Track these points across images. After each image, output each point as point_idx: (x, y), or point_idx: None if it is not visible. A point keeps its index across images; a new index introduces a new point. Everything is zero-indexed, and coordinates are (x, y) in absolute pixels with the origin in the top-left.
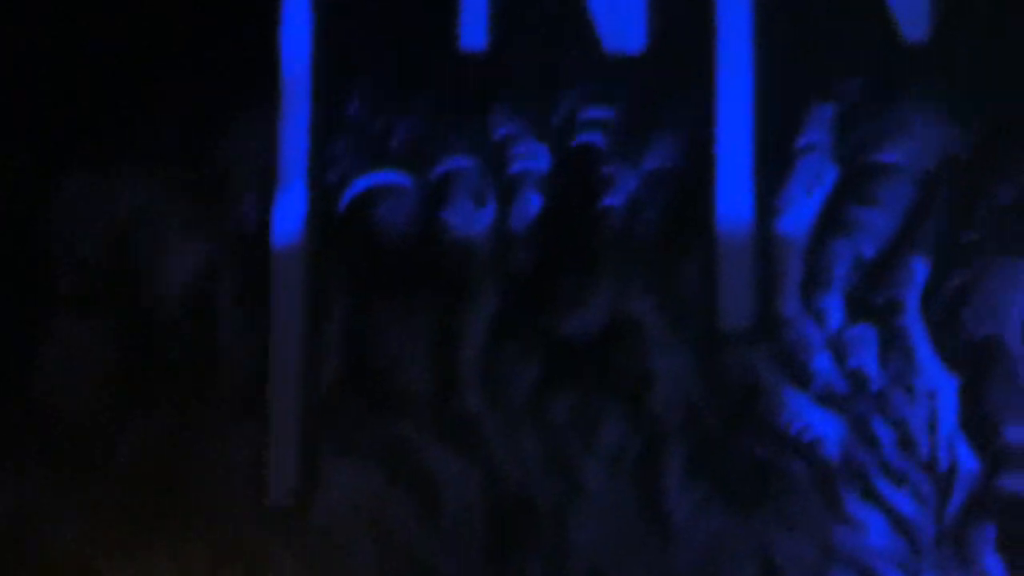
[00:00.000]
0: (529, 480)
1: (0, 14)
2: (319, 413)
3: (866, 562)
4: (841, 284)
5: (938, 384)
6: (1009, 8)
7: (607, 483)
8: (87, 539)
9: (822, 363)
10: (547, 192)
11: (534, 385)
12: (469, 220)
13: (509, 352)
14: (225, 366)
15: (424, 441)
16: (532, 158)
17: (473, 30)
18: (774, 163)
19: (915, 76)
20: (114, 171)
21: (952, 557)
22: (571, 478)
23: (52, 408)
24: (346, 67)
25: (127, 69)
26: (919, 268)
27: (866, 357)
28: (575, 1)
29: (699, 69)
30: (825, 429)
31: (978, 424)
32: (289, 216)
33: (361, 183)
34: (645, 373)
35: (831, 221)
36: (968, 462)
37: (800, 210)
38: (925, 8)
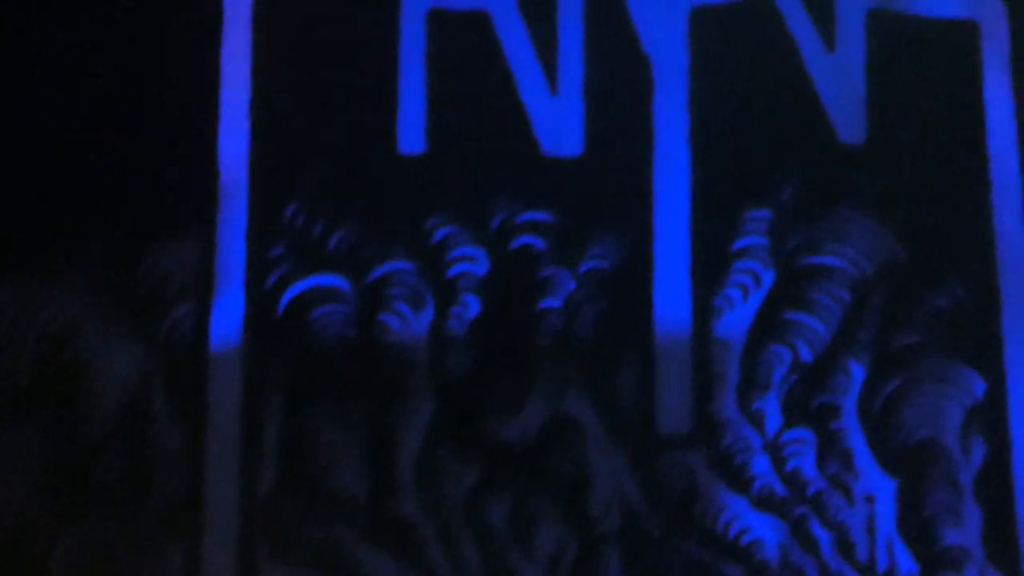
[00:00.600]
0: None
1: None
2: (256, 517)
3: None
4: (778, 388)
5: (876, 487)
6: (946, 110)
7: None
8: None
9: (760, 466)
10: (485, 295)
11: (471, 489)
12: (407, 323)
13: (446, 456)
14: (161, 472)
15: (361, 545)
16: (470, 261)
17: (411, 133)
18: (711, 266)
19: (852, 179)
20: (47, 278)
21: None
22: None
23: None
24: (284, 170)
25: (61, 173)
26: (856, 371)
27: (804, 460)
28: (513, 105)
29: (637, 172)
30: (763, 532)
31: (916, 527)
32: (226, 321)
33: (299, 286)
34: (583, 476)
35: (768, 325)
36: (906, 565)
37: (737, 313)
38: (862, 110)
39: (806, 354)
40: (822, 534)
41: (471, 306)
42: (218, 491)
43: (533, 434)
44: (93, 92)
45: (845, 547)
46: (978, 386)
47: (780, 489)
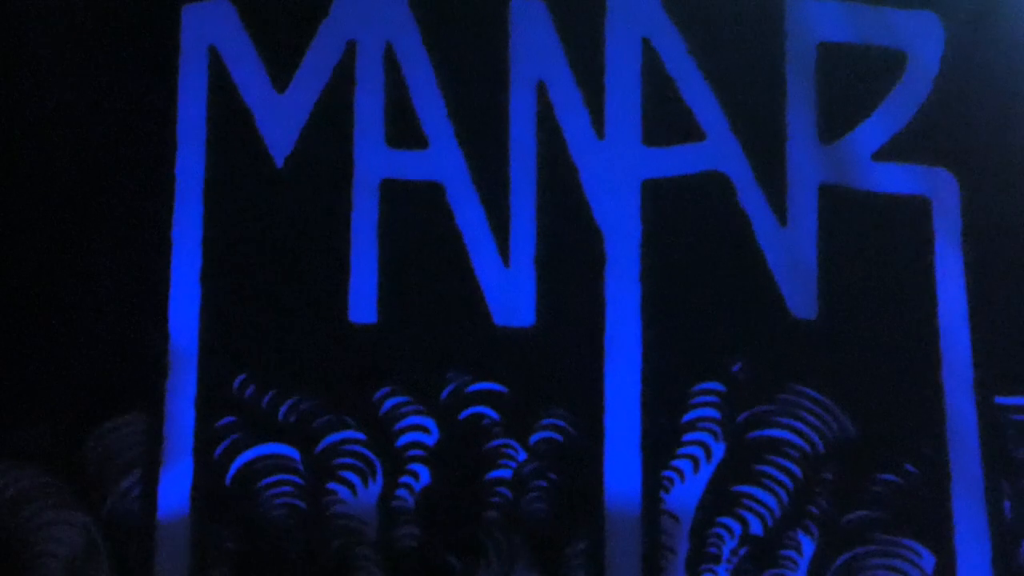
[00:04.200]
0: None
1: None
2: None
3: None
4: (728, 561)
5: None
6: (897, 286)
7: None
8: None
9: None
10: (435, 466)
11: None
12: (356, 493)
13: None
14: None
15: None
16: (420, 431)
17: (362, 303)
18: (662, 439)
19: (803, 354)
20: None
21: None
22: None
23: None
24: (233, 340)
25: (5, 349)
26: (807, 545)
27: None
28: (465, 275)
29: (588, 344)
30: None
31: None
32: (174, 491)
33: (247, 456)
34: None
35: (719, 498)
36: None
37: (688, 486)
38: (813, 285)
39: (756, 527)
40: None
41: (421, 476)
42: None
43: None
44: (38, 263)
45: None
46: (928, 562)
47: None
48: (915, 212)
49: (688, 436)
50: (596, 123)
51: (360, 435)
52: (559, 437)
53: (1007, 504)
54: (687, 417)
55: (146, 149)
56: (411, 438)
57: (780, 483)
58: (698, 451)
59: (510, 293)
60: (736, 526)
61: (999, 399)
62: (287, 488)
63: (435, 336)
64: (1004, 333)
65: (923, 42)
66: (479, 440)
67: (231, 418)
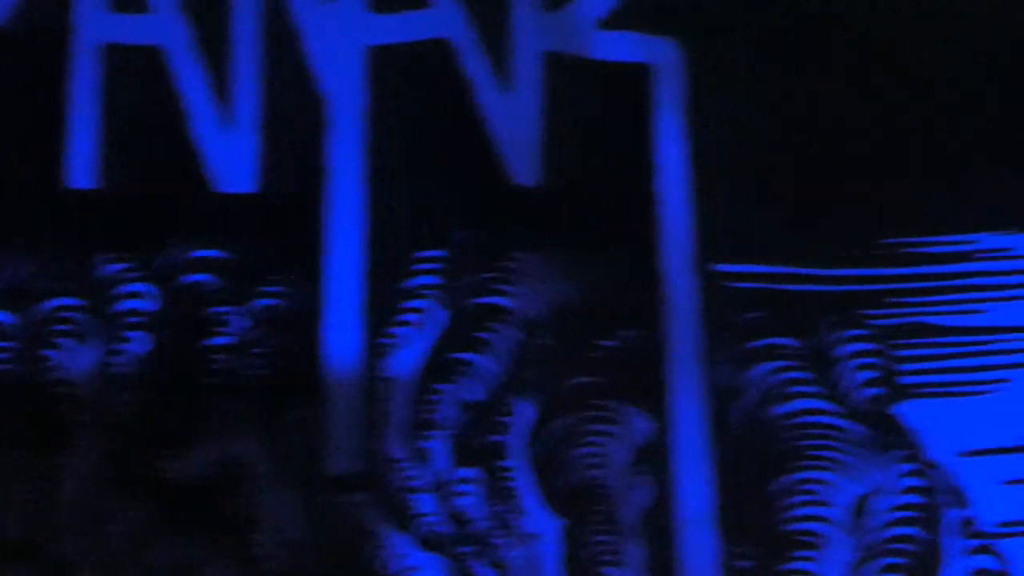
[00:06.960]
0: None
1: None
2: None
3: None
4: (448, 426)
5: (541, 527)
6: (619, 153)
7: None
8: None
9: (427, 505)
10: (154, 332)
11: (137, 530)
12: (73, 359)
13: (111, 496)
14: None
15: None
16: (139, 297)
17: (80, 168)
18: (383, 305)
19: (526, 221)
20: None
21: None
22: None
23: None
24: None
25: None
26: (526, 412)
27: (471, 499)
28: (186, 140)
29: (310, 210)
30: (428, 571)
31: (579, 567)
32: None
33: None
34: (252, 517)
35: (439, 364)
36: None
37: (408, 353)
38: (536, 152)
39: (476, 393)
40: (486, 573)
41: (139, 343)
42: None
43: (201, 474)
44: None
45: None
46: (645, 427)
47: (446, 528)
48: (638, 80)
49: (410, 303)
50: None
51: (78, 301)
52: (280, 303)
53: (723, 368)
54: (409, 283)
55: None
56: (130, 304)
57: (501, 350)
58: (419, 318)
59: (231, 159)
60: (456, 392)
61: (717, 266)
62: (1, 355)
63: (155, 202)
64: (723, 201)
65: None
66: (199, 307)
67: None
